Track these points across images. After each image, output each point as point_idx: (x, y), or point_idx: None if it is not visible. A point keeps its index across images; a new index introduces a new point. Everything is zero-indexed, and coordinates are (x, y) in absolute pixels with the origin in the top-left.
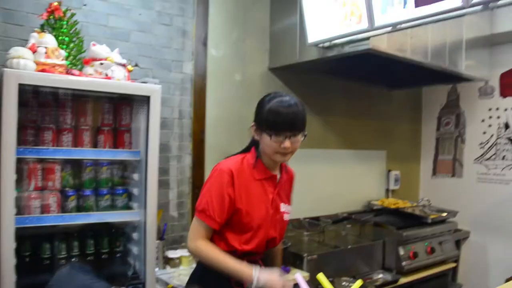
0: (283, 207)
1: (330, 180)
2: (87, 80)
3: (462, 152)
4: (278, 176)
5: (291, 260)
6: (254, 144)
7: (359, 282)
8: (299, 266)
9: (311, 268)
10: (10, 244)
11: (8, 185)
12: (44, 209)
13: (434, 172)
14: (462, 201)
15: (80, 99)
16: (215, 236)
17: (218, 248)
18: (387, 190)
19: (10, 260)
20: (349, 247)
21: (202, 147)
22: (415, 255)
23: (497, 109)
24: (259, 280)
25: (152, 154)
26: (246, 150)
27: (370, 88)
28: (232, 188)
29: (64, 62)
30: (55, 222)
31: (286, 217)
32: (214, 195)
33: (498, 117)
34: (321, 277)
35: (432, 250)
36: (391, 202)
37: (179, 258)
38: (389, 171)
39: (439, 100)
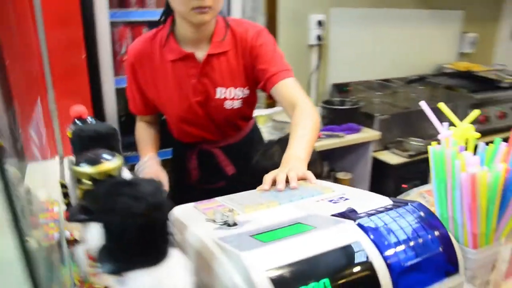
0: (221, 92)
1: (399, 42)
2: None
3: None
4: (203, 54)
5: (362, 119)
6: (168, 12)
7: (476, 112)
8: (370, 126)
9: (382, 128)
10: (113, 103)
11: (105, 48)
12: None
13: None
14: None
15: None
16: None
17: (148, 131)
18: (461, 54)
19: (114, 117)
20: (420, 108)
21: (274, 8)
22: (487, 119)
23: None
24: (139, 169)
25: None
26: (164, 22)
27: None
28: (137, 74)
29: None
30: None
31: (231, 104)
32: (127, 77)
33: None
34: (442, 105)
35: (505, 115)
36: (463, 66)
37: None
38: (464, 33)
39: None
